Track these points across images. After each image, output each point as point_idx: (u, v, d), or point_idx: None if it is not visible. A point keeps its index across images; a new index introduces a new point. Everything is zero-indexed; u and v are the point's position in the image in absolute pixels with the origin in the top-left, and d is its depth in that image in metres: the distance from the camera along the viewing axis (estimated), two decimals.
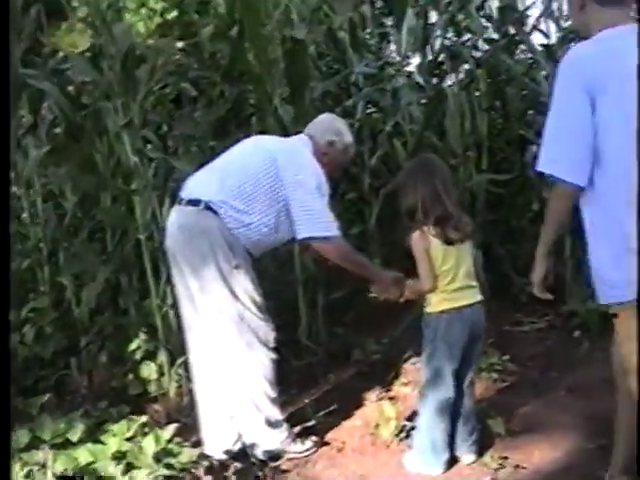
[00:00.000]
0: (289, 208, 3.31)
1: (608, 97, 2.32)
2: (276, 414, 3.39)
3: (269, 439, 3.35)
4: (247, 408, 3.34)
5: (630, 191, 2.30)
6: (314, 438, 3.50)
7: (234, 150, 3.54)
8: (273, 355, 3.39)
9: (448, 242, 3.06)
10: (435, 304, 3.11)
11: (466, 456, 3.19)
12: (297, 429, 3.56)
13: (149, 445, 2.79)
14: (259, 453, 3.33)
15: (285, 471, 3.27)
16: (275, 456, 3.34)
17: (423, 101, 5.11)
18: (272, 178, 3.30)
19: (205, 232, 3.24)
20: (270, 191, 3.30)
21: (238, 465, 3.29)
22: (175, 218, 3.39)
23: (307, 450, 3.42)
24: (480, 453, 3.21)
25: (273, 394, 3.38)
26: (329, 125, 3.60)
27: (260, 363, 3.33)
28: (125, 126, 3.72)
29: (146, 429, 2.97)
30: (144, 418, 3.02)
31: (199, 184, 3.39)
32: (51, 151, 4.10)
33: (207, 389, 3.42)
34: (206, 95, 4.61)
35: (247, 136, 3.83)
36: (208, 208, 3.25)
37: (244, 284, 3.29)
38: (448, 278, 3.08)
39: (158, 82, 4.80)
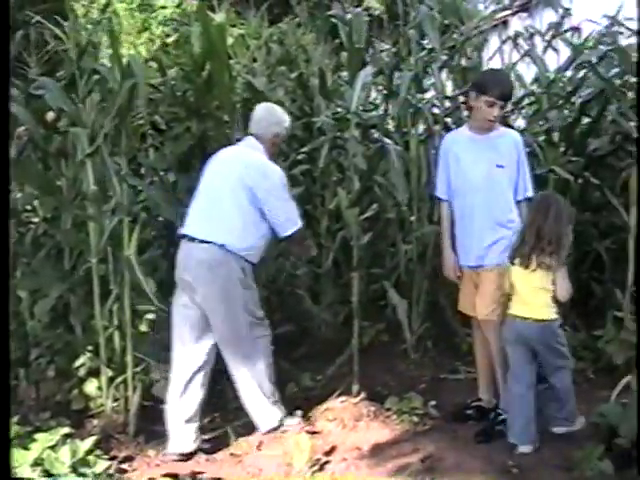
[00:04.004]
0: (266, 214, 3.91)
1: None
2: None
3: None
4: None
5: None
6: None
7: (213, 183, 3.99)
8: None
9: None
10: None
11: None
12: (219, 454, 3.80)
13: (65, 454, 3.00)
14: None
15: None
16: None
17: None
18: (252, 203, 3.87)
19: (223, 264, 3.82)
20: (255, 213, 3.89)
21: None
22: (190, 254, 3.88)
23: None
24: None
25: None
26: (271, 119, 4.09)
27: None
28: (89, 155, 3.97)
29: (68, 440, 3.17)
30: (66, 429, 3.21)
31: (204, 225, 3.89)
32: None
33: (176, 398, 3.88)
34: (173, 130, 4.86)
35: None
36: (220, 246, 3.81)
37: (251, 302, 3.93)
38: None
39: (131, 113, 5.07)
